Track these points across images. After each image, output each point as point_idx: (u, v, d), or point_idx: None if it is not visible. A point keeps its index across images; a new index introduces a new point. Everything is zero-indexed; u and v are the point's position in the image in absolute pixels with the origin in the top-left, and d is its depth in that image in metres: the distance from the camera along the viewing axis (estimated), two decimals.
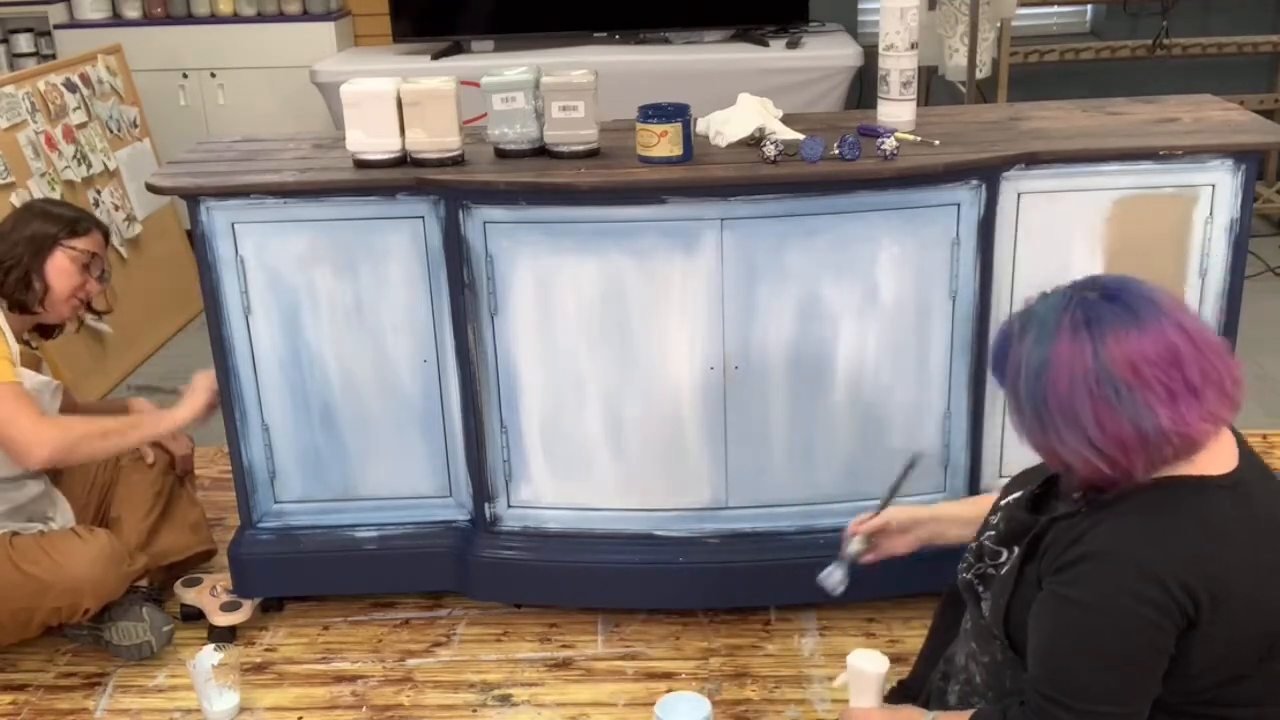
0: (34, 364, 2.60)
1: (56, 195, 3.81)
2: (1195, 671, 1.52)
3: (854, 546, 2.05)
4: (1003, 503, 1.80)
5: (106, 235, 2.71)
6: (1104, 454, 1.49)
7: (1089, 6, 5.20)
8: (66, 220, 2.61)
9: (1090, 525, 1.55)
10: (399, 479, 2.56)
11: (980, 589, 1.74)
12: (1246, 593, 1.49)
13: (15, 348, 2.47)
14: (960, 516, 2.03)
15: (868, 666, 1.98)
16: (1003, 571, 1.69)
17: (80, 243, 2.60)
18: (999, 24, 4.40)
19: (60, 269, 2.57)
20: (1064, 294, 1.54)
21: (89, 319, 3.77)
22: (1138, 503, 1.53)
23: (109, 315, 3.72)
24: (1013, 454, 2.50)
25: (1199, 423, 1.49)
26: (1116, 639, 1.48)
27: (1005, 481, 1.98)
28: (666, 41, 4.67)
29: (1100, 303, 1.50)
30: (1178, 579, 1.46)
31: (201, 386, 2.54)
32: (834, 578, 2.03)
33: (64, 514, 2.62)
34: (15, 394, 2.37)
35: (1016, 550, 1.67)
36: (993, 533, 1.76)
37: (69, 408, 2.70)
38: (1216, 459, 1.55)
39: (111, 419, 2.53)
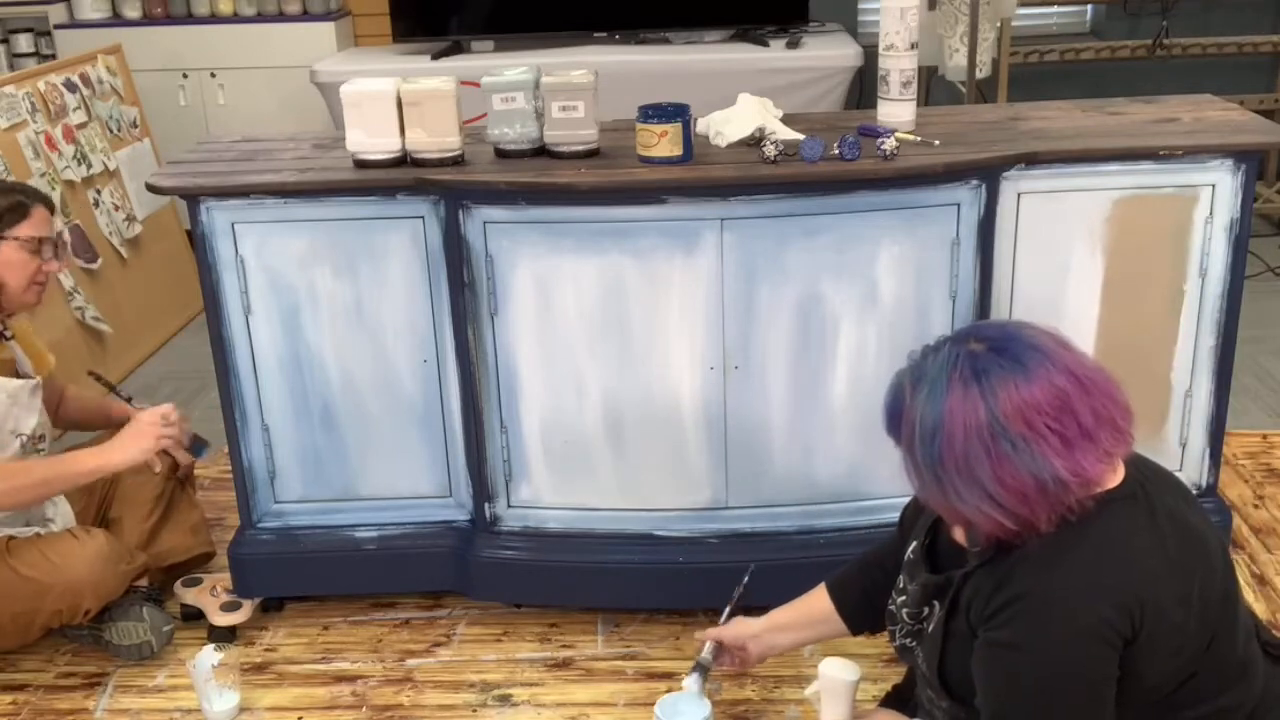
0: (7, 367, 2.52)
1: (56, 195, 3.81)
2: (1149, 685, 1.52)
3: (704, 653, 2.13)
4: (906, 559, 1.81)
5: (51, 206, 2.55)
6: (1005, 508, 1.49)
7: (1089, 6, 5.20)
8: (8, 203, 2.45)
9: (1009, 568, 1.55)
10: (399, 479, 2.56)
11: (914, 646, 1.76)
12: (1173, 594, 1.50)
13: None
14: (788, 622, 2.09)
15: (841, 674, 1.98)
16: (930, 628, 1.70)
17: (26, 228, 2.45)
18: (999, 24, 4.40)
19: (10, 263, 2.45)
20: (950, 349, 1.53)
21: (89, 319, 3.79)
22: (1049, 536, 1.53)
23: (109, 316, 3.73)
24: None
25: (1095, 465, 1.49)
26: (1058, 674, 1.49)
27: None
28: (666, 41, 4.67)
29: (987, 355, 1.50)
30: (1109, 604, 1.47)
31: (145, 428, 2.41)
32: (691, 685, 2.10)
33: (64, 516, 2.61)
34: None
35: (937, 605, 1.68)
36: (904, 597, 1.77)
37: (54, 397, 2.69)
38: (1111, 471, 1.55)
39: (44, 464, 2.43)
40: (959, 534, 1.69)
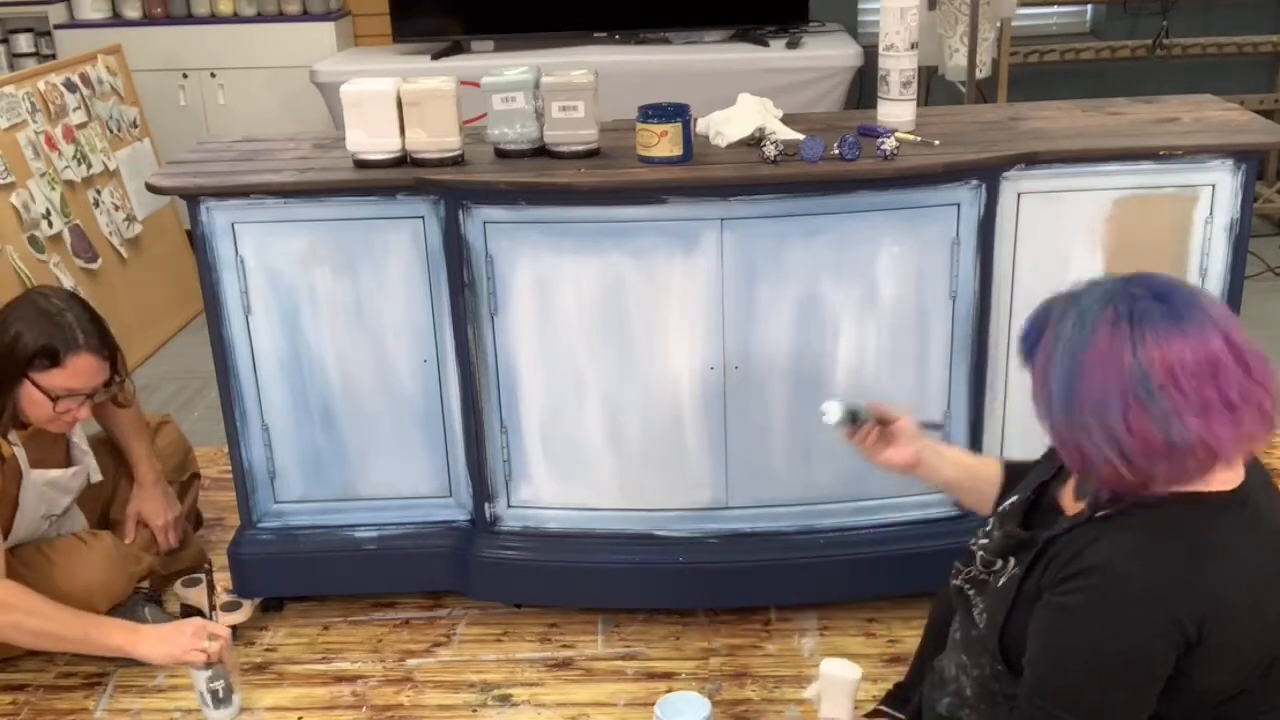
0: (55, 444, 2.48)
1: (56, 195, 3.81)
2: (1199, 690, 1.50)
3: (864, 405, 1.93)
4: (998, 510, 1.78)
5: (107, 354, 2.32)
6: (1126, 456, 1.44)
7: (1089, 6, 5.20)
8: (45, 343, 2.25)
9: (1094, 537, 1.52)
10: (399, 479, 2.56)
11: (972, 594, 1.73)
12: (1250, 611, 1.48)
13: (19, 451, 2.36)
14: (960, 461, 1.99)
15: (841, 674, 1.98)
16: (1000, 583, 1.67)
17: (54, 377, 2.26)
18: (999, 24, 4.40)
19: (31, 400, 2.29)
20: (1112, 286, 1.49)
21: None
22: (1143, 519, 1.50)
23: (109, 316, 3.71)
24: (1013, 454, 2.50)
25: (1230, 440, 1.44)
26: (1111, 654, 1.48)
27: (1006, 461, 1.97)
28: (666, 41, 4.67)
29: (1147, 300, 1.46)
30: (1179, 604, 1.45)
31: (187, 639, 2.24)
32: (831, 409, 1.89)
33: (82, 526, 2.61)
34: None
35: (1014, 562, 1.65)
36: (986, 540, 1.74)
37: (108, 416, 2.64)
38: (1226, 473, 1.51)
39: (61, 616, 2.24)
40: (1067, 496, 1.65)
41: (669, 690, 2.28)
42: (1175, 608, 1.45)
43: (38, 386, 2.28)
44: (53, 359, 2.26)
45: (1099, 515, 1.54)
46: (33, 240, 3.68)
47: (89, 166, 4.04)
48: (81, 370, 2.29)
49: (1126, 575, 1.48)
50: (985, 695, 1.69)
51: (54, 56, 4.81)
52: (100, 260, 3.97)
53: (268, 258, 2.39)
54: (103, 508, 2.71)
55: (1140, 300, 1.46)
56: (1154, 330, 1.43)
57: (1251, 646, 1.49)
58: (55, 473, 2.45)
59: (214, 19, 4.88)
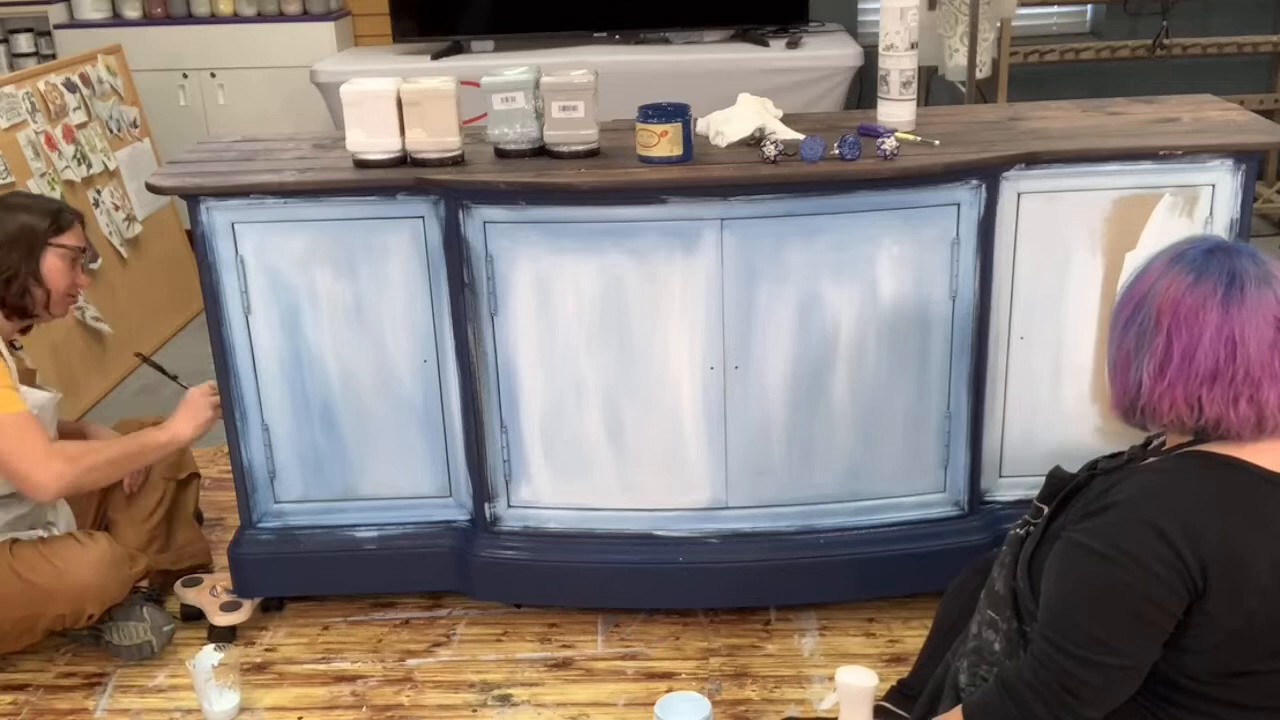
0: (29, 377, 2.53)
1: (57, 195, 3.81)
2: (1189, 647, 1.52)
3: None
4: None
5: (83, 221, 2.62)
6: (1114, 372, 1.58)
7: (1089, 6, 5.20)
8: (49, 214, 2.52)
9: (1123, 478, 1.58)
10: (399, 479, 2.56)
11: (1024, 539, 1.76)
12: (1263, 584, 1.49)
13: (13, 366, 2.41)
14: None
15: (859, 682, 1.98)
16: (1035, 531, 1.72)
17: (68, 238, 2.52)
18: (999, 24, 4.40)
19: (54, 269, 2.50)
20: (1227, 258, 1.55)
21: (89, 319, 3.78)
22: (1178, 466, 1.55)
23: (109, 316, 3.72)
24: (1013, 454, 2.50)
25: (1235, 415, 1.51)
26: (1122, 589, 1.50)
27: (1007, 482, 2.01)
28: (666, 41, 4.67)
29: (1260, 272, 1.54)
30: (1190, 544, 1.47)
31: (200, 401, 2.50)
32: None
33: (65, 518, 2.61)
34: (24, 425, 2.31)
35: (1045, 510, 1.71)
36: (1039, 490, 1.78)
37: (68, 432, 2.66)
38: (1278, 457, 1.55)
39: (115, 443, 2.48)
40: None
41: (669, 690, 2.28)
42: (1185, 549, 1.47)
43: (62, 248, 2.50)
44: (66, 224, 2.53)
45: (1140, 464, 1.60)
46: None
47: (89, 166, 4.05)
48: (78, 230, 2.57)
49: (1142, 506, 1.52)
50: (1012, 650, 1.71)
51: (54, 56, 4.81)
52: (100, 260, 3.96)
53: (268, 258, 2.39)
54: (98, 505, 2.71)
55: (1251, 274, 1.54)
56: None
57: (1254, 617, 1.50)
58: (43, 395, 2.51)
59: (214, 19, 4.89)
